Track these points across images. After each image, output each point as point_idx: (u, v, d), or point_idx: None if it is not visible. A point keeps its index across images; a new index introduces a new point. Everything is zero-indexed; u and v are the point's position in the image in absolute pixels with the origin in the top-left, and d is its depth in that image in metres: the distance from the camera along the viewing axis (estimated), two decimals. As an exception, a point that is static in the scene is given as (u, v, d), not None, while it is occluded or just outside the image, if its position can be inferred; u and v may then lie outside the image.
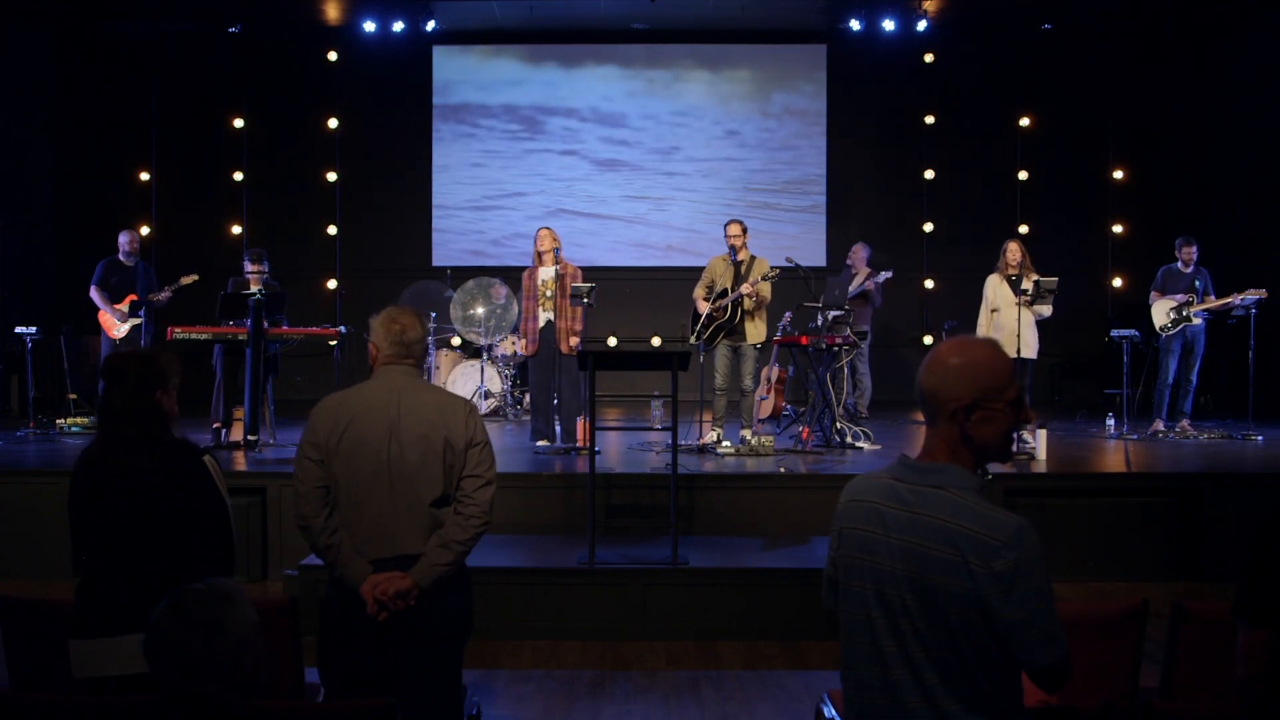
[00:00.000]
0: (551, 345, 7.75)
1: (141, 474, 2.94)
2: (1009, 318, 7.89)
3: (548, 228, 7.93)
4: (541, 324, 7.78)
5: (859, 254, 10.15)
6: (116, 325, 8.78)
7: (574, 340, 7.67)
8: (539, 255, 7.84)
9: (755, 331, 7.82)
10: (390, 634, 3.02)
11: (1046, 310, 7.93)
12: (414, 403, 3.08)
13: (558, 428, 7.92)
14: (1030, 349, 7.84)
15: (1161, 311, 8.89)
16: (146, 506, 2.93)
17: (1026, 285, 7.88)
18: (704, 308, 7.88)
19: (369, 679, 3.05)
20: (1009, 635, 2.01)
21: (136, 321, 8.85)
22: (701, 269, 8.14)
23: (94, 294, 8.84)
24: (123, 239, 8.98)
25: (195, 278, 8.88)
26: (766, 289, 7.77)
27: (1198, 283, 8.82)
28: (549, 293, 7.74)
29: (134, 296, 8.85)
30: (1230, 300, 8.69)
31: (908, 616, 2.08)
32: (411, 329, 3.15)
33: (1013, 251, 8.04)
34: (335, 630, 3.09)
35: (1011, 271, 8.01)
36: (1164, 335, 8.87)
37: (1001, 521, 2.03)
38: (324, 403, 3.16)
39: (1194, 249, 8.86)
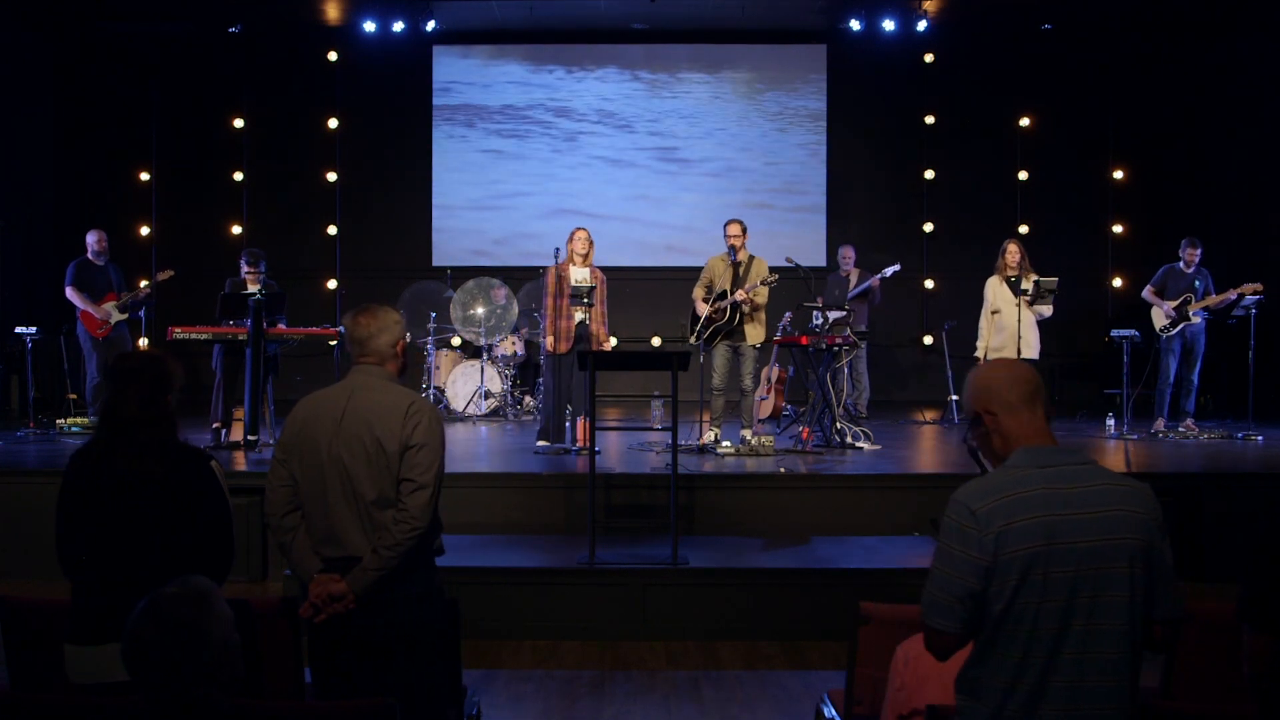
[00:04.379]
0: (584, 345, 7.63)
1: (150, 479, 2.92)
2: (1010, 318, 7.88)
3: (585, 229, 7.87)
4: (575, 323, 7.71)
5: (848, 256, 10.16)
6: (101, 324, 8.80)
7: (607, 344, 7.65)
8: (574, 255, 7.77)
9: (755, 332, 7.81)
10: (347, 638, 3.01)
11: (1047, 310, 7.94)
12: (360, 403, 3.08)
13: (568, 426, 7.85)
14: (1031, 349, 7.85)
15: (1161, 312, 8.90)
16: (153, 512, 2.92)
17: (1026, 285, 7.88)
18: (703, 309, 7.87)
19: (344, 681, 3.05)
20: (1164, 581, 2.24)
21: (122, 317, 8.86)
22: (701, 269, 8.13)
23: (72, 295, 8.85)
24: (91, 238, 8.99)
25: (170, 273, 9.14)
26: (763, 294, 7.75)
27: (1198, 283, 8.83)
28: (571, 292, 7.65)
29: (113, 296, 8.87)
30: (1228, 295, 8.71)
31: (1099, 588, 2.18)
32: (361, 327, 3.15)
33: (1012, 253, 8.03)
34: (308, 631, 3.11)
35: (1011, 272, 8.00)
36: (1164, 336, 8.88)
37: (1135, 480, 2.30)
38: (298, 403, 3.20)
39: (1198, 251, 8.87)
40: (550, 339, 7.77)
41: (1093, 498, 2.22)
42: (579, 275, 7.73)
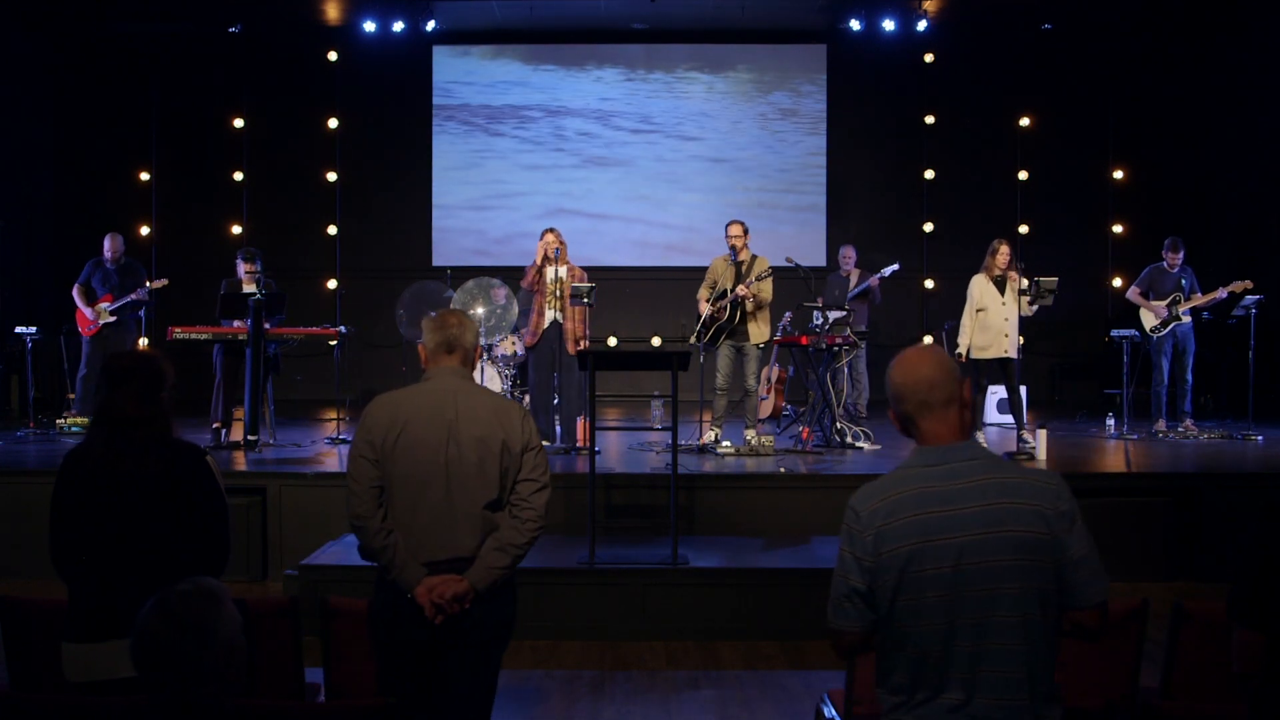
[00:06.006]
0: (554, 344, 7.74)
1: (149, 477, 2.92)
2: (995, 317, 7.86)
3: (554, 230, 7.90)
4: (547, 322, 7.77)
5: (849, 256, 10.15)
6: (90, 324, 8.89)
7: (583, 343, 7.69)
8: (546, 257, 7.82)
9: (758, 331, 7.81)
10: (441, 637, 3.01)
11: (1033, 309, 7.93)
12: (470, 405, 3.07)
13: (558, 428, 7.91)
14: (1014, 348, 7.83)
15: (1151, 313, 8.91)
16: (151, 509, 2.92)
17: (1024, 285, 7.88)
18: (705, 309, 7.88)
19: (418, 681, 3.05)
20: (1075, 571, 2.24)
21: (110, 319, 8.88)
22: (701, 269, 8.14)
23: (75, 292, 8.97)
24: (106, 244, 9.04)
25: (164, 282, 9.21)
26: (767, 290, 7.76)
27: (1184, 281, 8.84)
28: (558, 292, 7.73)
29: (109, 298, 8.92)
30: (1217, 294, 8.72)
31: (986, 582, 2.20)
32: (451, 326, 3.14)
33: (1003, 253, 7.99)
34: (386, 633, 3.08)
35: (999, 272, 7.97)
36: (1155, 337, 8.88)
37: (1044, 471, 2.32)
38: (379, 401, 3.14)
39: (1180, 254, 8.88)
40: (530, 335, 7.89)
41: (973, 493, 2.25)
42: (552, 274, 7.77)
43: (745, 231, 7.96)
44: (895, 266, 9.81)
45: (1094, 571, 2.25)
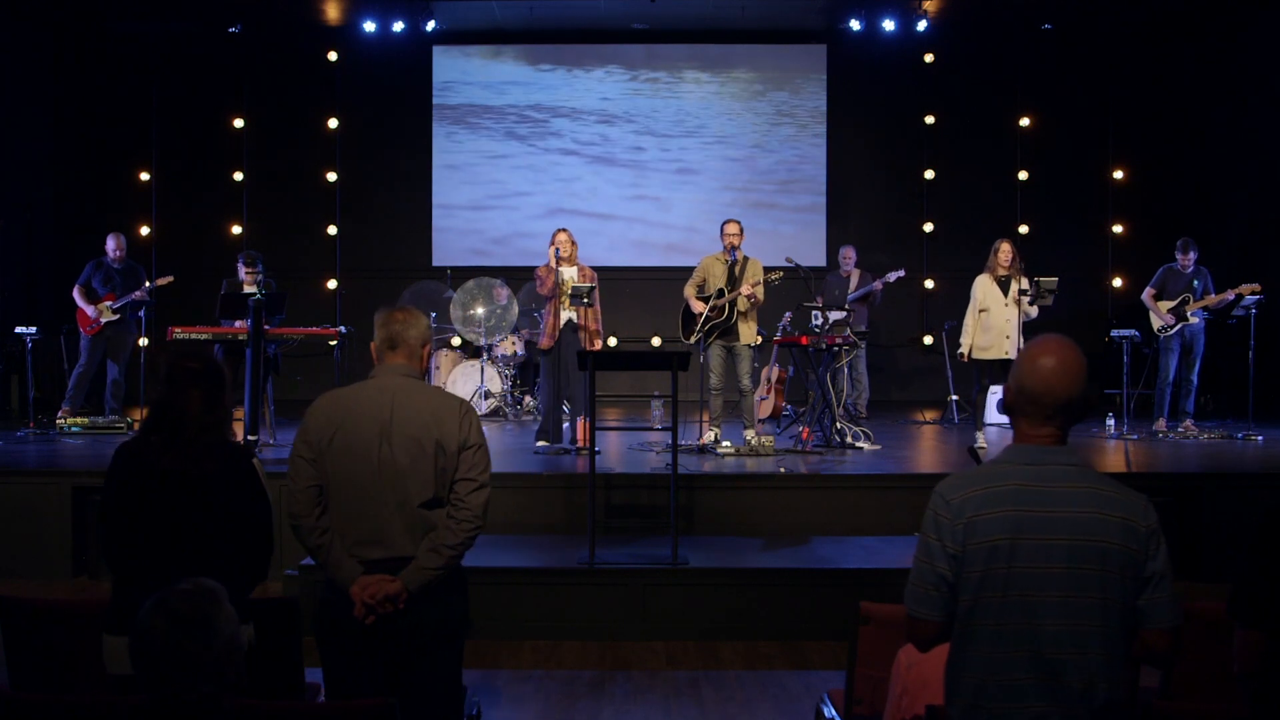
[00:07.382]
0: (570, 345, 7.67)
1: (206, 478, 2.97)
2: (998, 318, 7.87)
3: (565, 230, 7.88)
4: (562, 323, 7.74)
5: (849, 257, 10.16)
6: (91, 322, 8.91)
7: (599, 341, 7.68)
8: (558, 257, 7.80)
9: (748, 332, 7.82)
10: (381, 636, 2.99)
11: (1034, 311, 7.94)
12: (407, 404, 3.04)
13: (565, 427, 7.86)
14: (1015, 350, 7.83)
15: (1160, 312, 8.90)
16: (206, 509, 2.96)
17: (1025, 285, 7.88)
18: (699, 307, 7.86)
19: (365, 680, 3.03)
20: (1154, 591, 2.20)
21: (113, 317, 8.89)
22: (699, 269, 8.13)
23: (75, 293, 8.99)
24: (110, 244, 9.07)
25: (170, 279, 9.18)
26: (762, 292, 7.79)
27: (1196, 283, 8.82)
28: (570, 292, 7.68)
29: (111, 297, 8.94)
30: (1226, 296, 8.71)
31: (1070, 588, 2.17)
32: (397, 322, 3.11)
33: (1005, 252, 8.01)
34: (330, 631, 3.07)
35: (1002, 272, 7.99)
36: (1162, 335, 8.88)
37: (1132, 489, 2.26)
38: (319, 401, 3.15)
39: (1193, 255, 8.85)
40: (545, 337, 7.84)
41: (1068, 498, 2.21)
42: (567, 274, 7.75)
43: (741, 230, 7.96)
44: (900, 272, 9.82)
45: (1171, 594, 2.22)
